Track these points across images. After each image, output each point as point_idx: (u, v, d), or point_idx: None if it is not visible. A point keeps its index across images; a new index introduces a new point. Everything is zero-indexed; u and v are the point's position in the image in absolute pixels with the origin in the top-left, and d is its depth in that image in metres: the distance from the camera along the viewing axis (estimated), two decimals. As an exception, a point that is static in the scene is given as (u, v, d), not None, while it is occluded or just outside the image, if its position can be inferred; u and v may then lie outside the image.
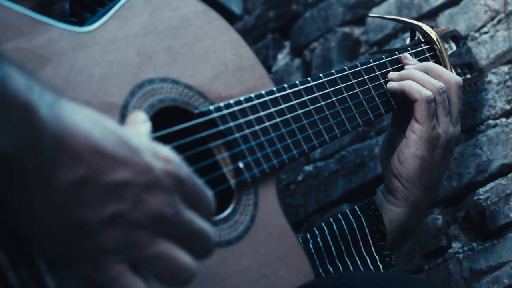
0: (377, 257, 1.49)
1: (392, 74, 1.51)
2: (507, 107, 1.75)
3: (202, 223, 0.93)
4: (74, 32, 1.08)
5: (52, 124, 0.83)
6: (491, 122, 1.78)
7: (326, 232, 1.52)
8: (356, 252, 1.49)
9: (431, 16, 2.00)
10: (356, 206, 1.56)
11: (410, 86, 1.47)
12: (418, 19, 2.00)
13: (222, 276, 1.11)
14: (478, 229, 1.73)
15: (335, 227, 1.52)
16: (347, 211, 1.55)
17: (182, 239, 0.91)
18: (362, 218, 1.52)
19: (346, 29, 2.23)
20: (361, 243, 1.50)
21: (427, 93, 1.46)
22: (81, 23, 1.16)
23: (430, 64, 1.55)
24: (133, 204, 0.87)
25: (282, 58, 2.39)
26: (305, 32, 2.34)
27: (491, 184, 1.72)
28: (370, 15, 1.75)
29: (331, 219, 1.55)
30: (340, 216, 1.55)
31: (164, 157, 0.91)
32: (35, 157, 0.82)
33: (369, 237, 1.50)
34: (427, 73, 1.52)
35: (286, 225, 1.24)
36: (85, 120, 0.86)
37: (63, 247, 0.85)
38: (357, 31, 2.21)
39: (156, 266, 0.89)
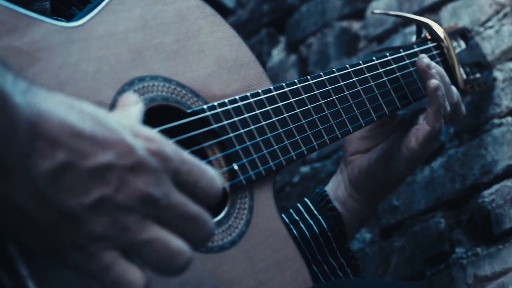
0: (343, 262, 1.52)
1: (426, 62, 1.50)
2: (513, 105, 1.76)
3: (194, 206, 0.92)
4: (61, 27, 1.08)
5: (27, 111, 0.83)
6: (496, 121, 1.78)
7: None
8: (322, 259, 1.52)
9: (433, 9, 2.00)
10: (308, 201, 1.57)
11: (437, 92, 1.48)
12: (420, 12, 2.00)
13: (215, 283, 1.11)
14: (483, 233, 1.73)
15: (294, 231, 1.53)
16: (301, 208, 1.56)
17: (173, 223, 0.91)
18: (322, 221, 1.53)
19: (344, 23, 2.23)
20: (325, 249, 1.52)
21: (448, 108, 1.50)
22: (69, 18, 1.16)
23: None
24: (118, 187, 0.87)
25: (277, 53, 2.39)
26: (301, 26, 2.34)
27: (496, 186, 1.73)
28: (373, 11, 1.75)
29: (286, 219, 1.55)
30: (295, 216, 1.55)
31: (145, 136, 0.91)
32: (10, 144, 0.82)
33: (332, 242, 1.53)
34: None
35: (283, 229, 1.24)
36: (59, 105, 0.86)
37: (51, 238, 0.86)
38: (355, 25, 2.21)
39: (147, 252, 0.89)
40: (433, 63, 1.52)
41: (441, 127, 1.49)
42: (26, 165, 0.83)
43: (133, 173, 0.88)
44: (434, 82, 1.48)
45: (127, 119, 0.94)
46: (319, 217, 1.54)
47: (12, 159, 0.82)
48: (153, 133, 0.92)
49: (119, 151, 0.87)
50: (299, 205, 1.57)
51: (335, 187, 1.57)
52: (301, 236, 1.52)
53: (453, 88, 1.56)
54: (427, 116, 1.49)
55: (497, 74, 1.80)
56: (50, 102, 0.86)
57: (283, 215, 1.55)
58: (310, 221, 1.54)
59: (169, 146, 0.92)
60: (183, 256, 0.90)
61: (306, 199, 1.57)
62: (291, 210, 1.57)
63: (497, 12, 1.85)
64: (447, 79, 1.54)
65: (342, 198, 1.56)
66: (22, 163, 0.83)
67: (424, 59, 1.51)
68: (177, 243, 0.90)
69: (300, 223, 1.54)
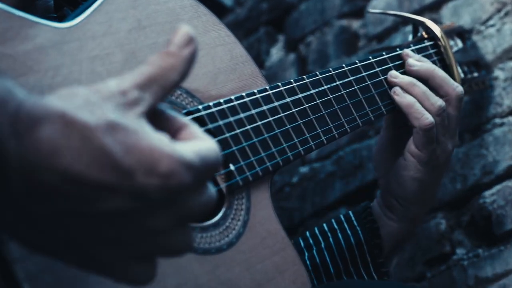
0: (375, 276, 1.51)
1: (395, 88, 1.48)
2: (515, 105, 1.76)
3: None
4: (53, 27, 1.07)
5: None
6: (497, 120, 1.78)
7: (323, 246, 1.53)
8: (354, 270, 1.51)
9: (433, 8, 2.00)
10: (351, 213, 1.56)
11: (409, 109, 1.45)
12: (420, 11, 2.00)
13: (212, 285, 1.11)
14: (484, 234, 1.73)
15: (331, 239, 1.53)
16: (342, 218, 1.56)
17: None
18: (360, 232, 1.52)
19: (344, 22, 2.23)
20: (359, 261, 1.52)
21: (426, 121, 1.43)
22: (61, 18, 1.15)
23: (433, 71, 1.51)
24: (137, 232, 0.85)
25: (276, 52, 2.39)
26: (300, 25, 2.34)
27: (498, 187, 1.73)
28: (370, 10, 1.75)
29: (325, 227, 1.55)
30: (335, 225, 1.55)
31: (163, 173, 0.82)
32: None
33: (367, 255, 1.51)
34: (427, 81, 1.49)
35: (281, 231, 1.24)
36: (60, 137, 0.80)
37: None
38: (355, 24, 2.21)
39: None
40: (412, 63, 1.51)
41: (428, 126, 1.43)
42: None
43: (147, 215, 0.85)
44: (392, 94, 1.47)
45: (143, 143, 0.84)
46: (358, 228, 1.53)
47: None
48: (178, 162, 0.83)
49: (127, 195, 0.82)
50: (341, 216, 1.57)
51: (373, 205, 1.56)
52: (336, 246, 1.52)
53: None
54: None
55: (499, 73, 1.80)
56: (46, 133, 0.80)
57: (324, 224, 1.56)
58: (348, 231, 1.53)
59: (189, 177, 0.85)
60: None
61: (350, 212, 1.57)
62: (332, 220, 1.57)
63: (499, 11, 1.85)
64: (436, 72, 1.51)
65: (376, 215, 1.54)
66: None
67: (392, 78, 1.49)
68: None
69: (338, 232, 1.54)
